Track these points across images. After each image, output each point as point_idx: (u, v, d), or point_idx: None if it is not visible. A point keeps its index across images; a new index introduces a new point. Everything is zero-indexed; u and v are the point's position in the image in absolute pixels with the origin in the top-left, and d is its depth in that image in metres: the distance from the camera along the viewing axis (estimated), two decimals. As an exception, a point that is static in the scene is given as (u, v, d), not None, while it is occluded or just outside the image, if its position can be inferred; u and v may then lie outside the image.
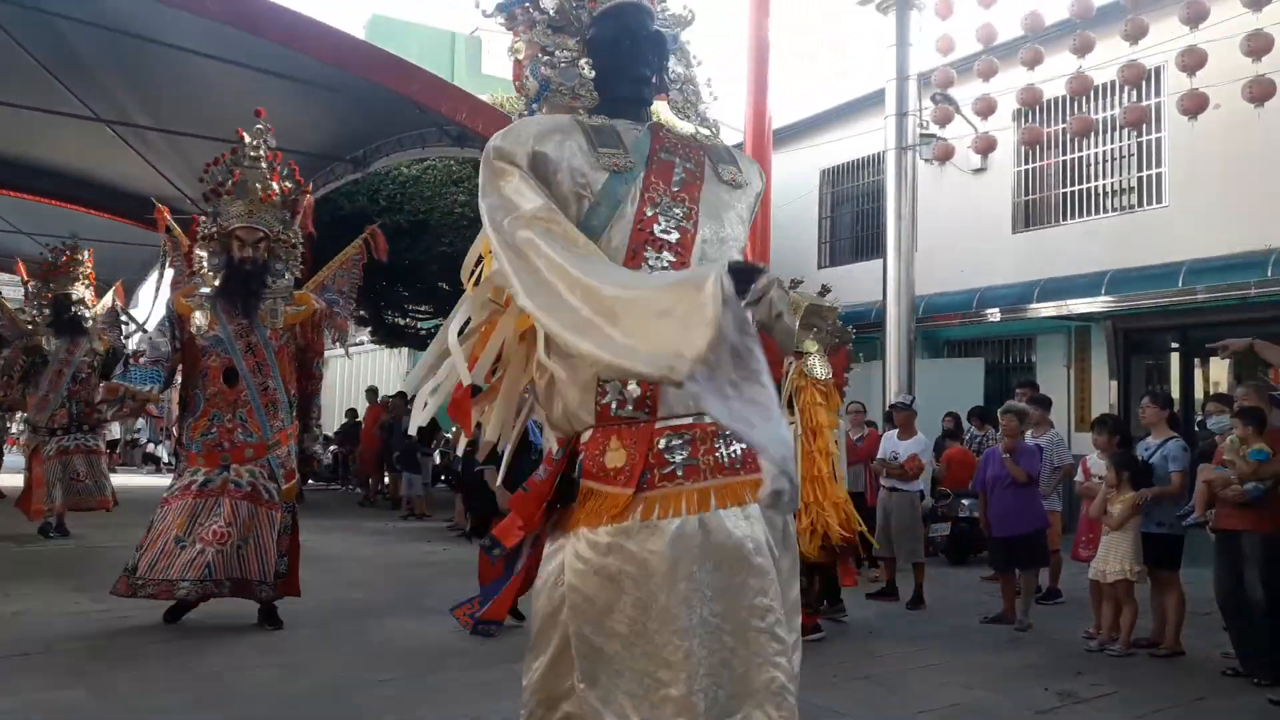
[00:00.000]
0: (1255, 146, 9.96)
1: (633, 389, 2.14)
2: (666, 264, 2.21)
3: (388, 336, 19.19)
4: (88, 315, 9.74)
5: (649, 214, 2.26)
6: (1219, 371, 12.15)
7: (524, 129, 2.28)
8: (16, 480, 11.30)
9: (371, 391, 17.52)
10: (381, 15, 28.32)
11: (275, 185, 6.16)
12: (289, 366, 6.23)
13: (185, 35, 8.85)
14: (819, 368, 6.30)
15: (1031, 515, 7.01)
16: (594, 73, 2.44)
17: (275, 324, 6.09)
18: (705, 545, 2.07)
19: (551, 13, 2.45)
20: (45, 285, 9.89)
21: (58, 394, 9.47)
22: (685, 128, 2.53)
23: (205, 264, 6.09)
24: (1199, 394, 11.68)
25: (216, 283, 6.04)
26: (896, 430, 8.33)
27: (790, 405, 6.16)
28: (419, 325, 18.30)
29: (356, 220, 10.40)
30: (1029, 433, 7.55)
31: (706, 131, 2.56)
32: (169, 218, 6.89)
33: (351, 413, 18.63)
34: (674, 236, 2.26)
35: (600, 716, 2.10)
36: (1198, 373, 12.05)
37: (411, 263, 14.07)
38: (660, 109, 2.56)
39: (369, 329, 18.84)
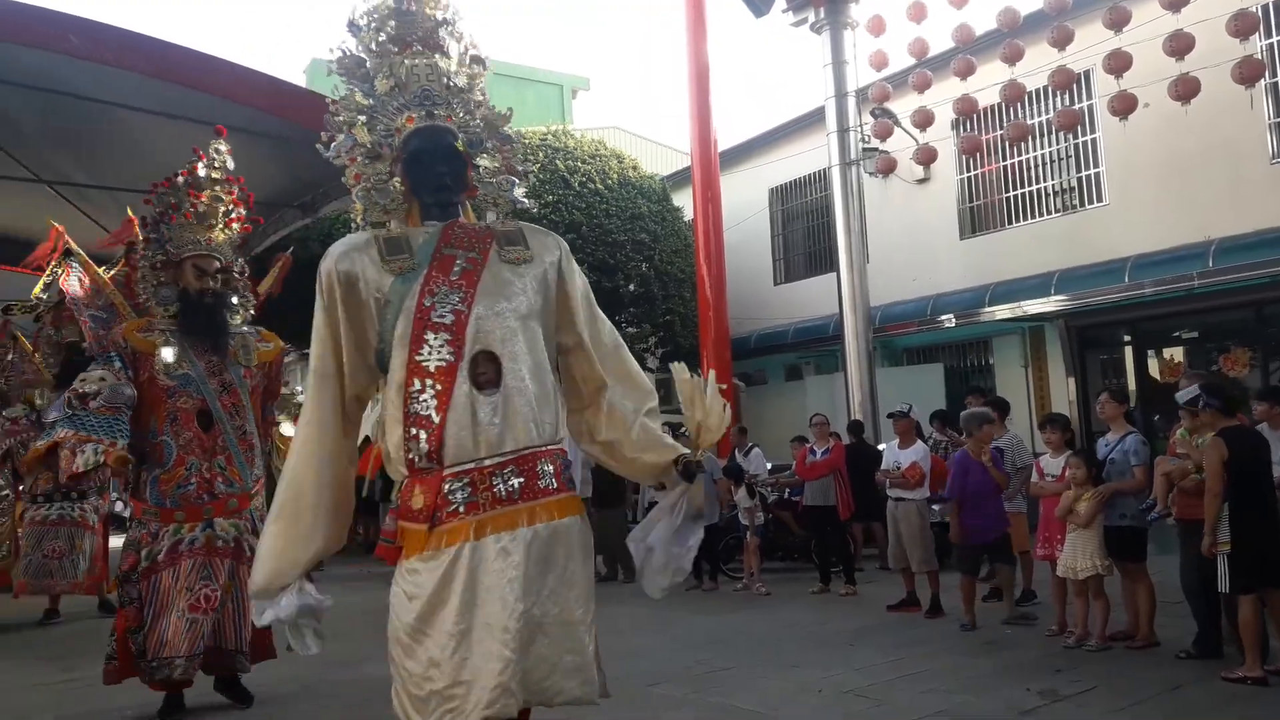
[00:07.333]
0: (1186, 142, 10.22)
1: (424, 445, 2.63)
2: (443, 342, 2.69)
3: None
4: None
5: (427, 304, 2.74)
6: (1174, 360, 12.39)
7: (333, 252, 2.88)
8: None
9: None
10: (320, 59, 28.07)
11: (236, 211, 5.63)
12: (260, 408, 5.66)
13: (116, 91, 8.71)
14: None
15: (1002, 519, 7.08)
16: (405, 185, 3.00)
17: (249, 361, 5.48)
18: (474, 562, 2.60)
19: (368, 145, 3.01)
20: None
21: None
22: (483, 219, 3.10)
23: (153, 296, 5.42)
24: (1153, 384, 11.90)
25: (170, 316, 5.37)
26: (896, 440, 8.32)
27: None
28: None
29: (309, 265, 10.25)
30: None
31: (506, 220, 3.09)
32: (69, 240, 6.04)
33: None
34: (449, 319, 2.73)
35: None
36: (1151, 364, 12.29)
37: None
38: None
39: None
